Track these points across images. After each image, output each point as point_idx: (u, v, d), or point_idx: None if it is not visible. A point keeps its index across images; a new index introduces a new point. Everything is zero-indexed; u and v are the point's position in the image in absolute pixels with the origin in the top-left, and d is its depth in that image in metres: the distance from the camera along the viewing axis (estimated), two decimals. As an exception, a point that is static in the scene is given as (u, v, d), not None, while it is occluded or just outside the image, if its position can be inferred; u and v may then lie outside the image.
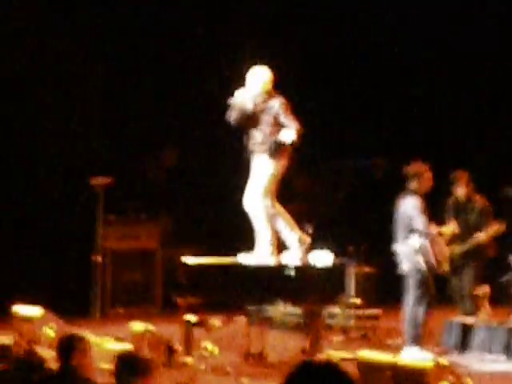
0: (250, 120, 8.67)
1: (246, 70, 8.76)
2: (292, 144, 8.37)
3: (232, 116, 8.56)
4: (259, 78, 8.67)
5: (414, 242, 8.85)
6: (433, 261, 8.84)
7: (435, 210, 9.42)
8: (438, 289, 9.32)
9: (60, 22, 11.99)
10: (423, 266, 8.84)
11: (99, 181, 10.58)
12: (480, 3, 13.11)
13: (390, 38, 12.84)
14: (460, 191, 9.75)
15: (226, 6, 12.77)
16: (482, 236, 9.41)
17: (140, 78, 12.31)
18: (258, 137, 8.60)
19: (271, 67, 8.78)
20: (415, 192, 8.83)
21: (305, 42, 12.64)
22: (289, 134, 8.28)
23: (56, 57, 11.99)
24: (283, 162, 8.68)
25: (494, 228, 9.47)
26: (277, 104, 8.53)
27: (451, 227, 9.41)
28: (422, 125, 12.90)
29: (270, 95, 8.61)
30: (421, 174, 8.85)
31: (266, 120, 8.58)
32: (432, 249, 8.87)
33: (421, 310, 8.88)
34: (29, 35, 11.89)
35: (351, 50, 12.85)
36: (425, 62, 12.57)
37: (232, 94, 8.63)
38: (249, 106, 8.62)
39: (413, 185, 8.80)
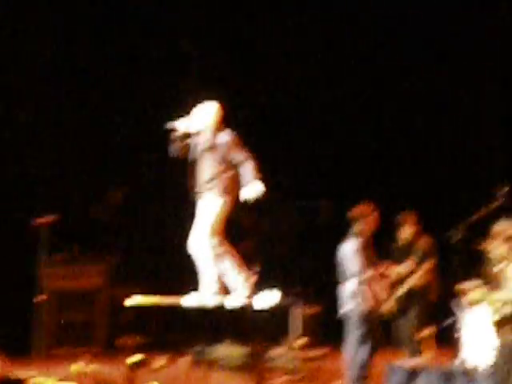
0: (196, 156, 8.25)
1: (193, 105, 8.39)
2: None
3: (174, 149, 8.16)
4: (207, 111, 8.32)
5: (354, 285, 8.85)
6: (373, 303, 8.84)
7: (385, 251, 9.47)
8: (384, 331, 9.35)
9: None
10: (363, 307, 8.82)
11: (43, 220, 10.35)
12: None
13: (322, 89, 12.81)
14: (406, 233, 9.80)
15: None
16: (414, 278, 9.44)
17: (88, 116, 12.19)
18: (205, 174, 8.20)
19: (222, 103, 8.46)
20: (359, 234, 8.82)
21: (257, 95, 12.53)
22: (254, 188, 7.86)
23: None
24: (231, 200, 8.31)
25: (425, 268, 9.52)
26: (225, 139, 8.12)
27: (406, 267, 9.45)
28: (372, 168, 12.96)
29: (218, 130, 8.22)
30: (365, 216, 8.82)
31: (214, 157, 8.18)
32: (370, 291, 8.89)
33: (363, 352, 8.74)
34: None
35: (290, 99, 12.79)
36: (371, 106, 12.66)
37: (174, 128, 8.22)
38: (194, 139, 8.23)
39: (357, 227, 8.81)
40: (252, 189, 7.84)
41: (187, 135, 8.22)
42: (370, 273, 8.78)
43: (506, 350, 7.95)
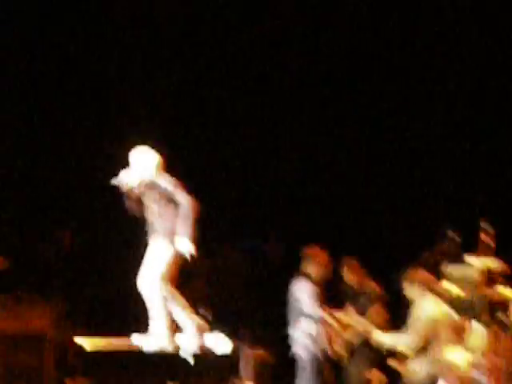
0: (141, 203, 8.16)
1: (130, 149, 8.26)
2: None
3: (129, 207, 8.11)
4: (146, 160, 8.25)
5: (304, 326, 8.81)
6: (324, 345, 8.81)
7: (334, 295, 9.45)
8: (336, 375, 9.31)
9: None
10: (313, 350, 8.77)
11: None
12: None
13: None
14: (350, 278, 9.77)
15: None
16: (362, 322, 9.37)
17: (38, 157, 12.15)
18: (151, 218, 8.13)
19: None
20: (309, 276, 8.82)
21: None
22: (184, 244, 7.78)
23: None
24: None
25: (373, 312, 9.44)
26: (164, 181, 8.07)
27: (345, 314, 9.39)
28: (320, 211, 13.01)
29: (159, 174, 8.15)
30: (315, 259, 8.83)
31: (155, 198, 8.11)
32: (324, 333, 8.85)
33: None
34: None
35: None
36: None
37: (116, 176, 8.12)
38: (136, 187, 8.16)
39: (307, 269, 8.80)
40: (181, 245, 7.80)
41: (131, 187, 8.15)
42: (323, 314, 8.78)
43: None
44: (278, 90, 13.56)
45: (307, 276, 8.81)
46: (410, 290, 8.24)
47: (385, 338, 8.29)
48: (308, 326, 8.77)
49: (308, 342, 8.74)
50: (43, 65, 13.08)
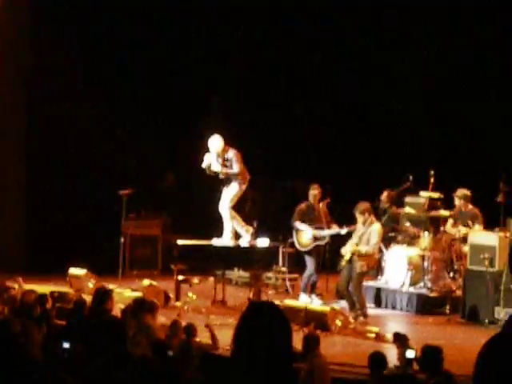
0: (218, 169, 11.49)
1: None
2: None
3: (208, 172, 11.60)
4: (215, 143, 11.53)
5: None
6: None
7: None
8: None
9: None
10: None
11: (125, 191, 13.17)
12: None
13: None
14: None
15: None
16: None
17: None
18: (223, 174, 11.64)
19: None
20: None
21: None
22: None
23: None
24: (243, 186, 11.79)
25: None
26: (231, 155, 11.51)
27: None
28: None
29: (224, 151, 11.52)
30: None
31: (226, 165, 11.53)
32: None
33: (314, 276, 11.85)
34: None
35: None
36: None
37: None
38: (214, 164, 11.51)
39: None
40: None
41: (210, 165, 11.59)
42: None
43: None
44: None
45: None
46: (361, 217, 11.15)
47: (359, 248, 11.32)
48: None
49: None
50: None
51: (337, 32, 14.91)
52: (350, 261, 11.32)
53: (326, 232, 12.04)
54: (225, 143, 11.69)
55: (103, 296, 8.91)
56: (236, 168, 11.58)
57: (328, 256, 12.24)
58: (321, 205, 12.21)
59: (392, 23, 14.54)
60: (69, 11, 14.07)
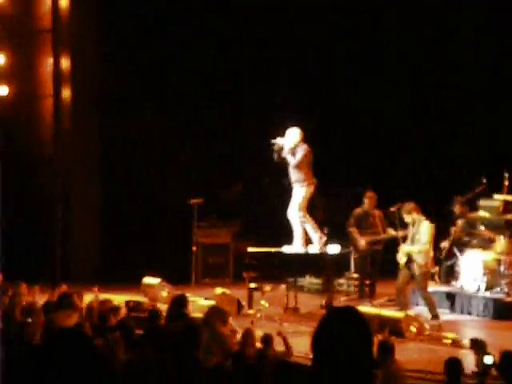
0: (287, 161, 11.50)
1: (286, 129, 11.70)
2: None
3: (275, 156, 11.65)
4: (293, 134, 11.61)
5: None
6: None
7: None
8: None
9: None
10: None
11: (195, 200, 13.40)
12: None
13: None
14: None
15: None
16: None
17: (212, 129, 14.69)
18: (293, 173, 11.65)
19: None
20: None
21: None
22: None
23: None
24: (310, 189, 11.81)
25: None
26: (301, 149, 11.49)
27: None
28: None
29: (298, 145, 11.57)
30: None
31: (293, 158, 11.49)
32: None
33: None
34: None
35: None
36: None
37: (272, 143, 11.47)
38: (285, 151, 11.53)
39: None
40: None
41: (282, 147, 11.65)
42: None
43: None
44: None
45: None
46: (408, 217, 11.09)
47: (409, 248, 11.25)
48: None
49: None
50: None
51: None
52: (408, 264, 11.30)
53: (382, 236, 12.32)
54: (302, 138, 11.77)
55: (181, 300, 9.15)
56: (298, 157, 11.53)
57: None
58: (376, 211, 12.52)
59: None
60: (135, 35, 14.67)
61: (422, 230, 11.29)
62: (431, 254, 11.55)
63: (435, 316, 11.20)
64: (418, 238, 11.24)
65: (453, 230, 12.80)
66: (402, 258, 11.37)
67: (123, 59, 14.53)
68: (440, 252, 12.56)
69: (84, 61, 14.64)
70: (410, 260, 11.31)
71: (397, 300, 11.47)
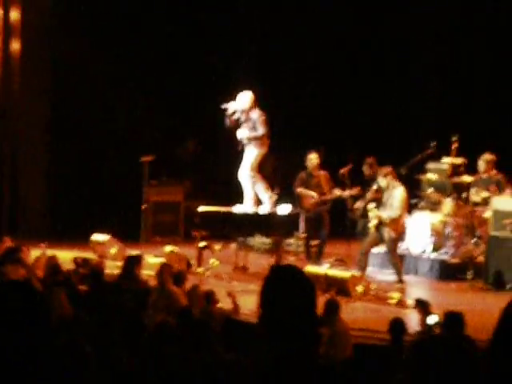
0: (238, 124, 11.54)
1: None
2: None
3: (227, 122, 11.67)
4: (245, 98, 11.60)
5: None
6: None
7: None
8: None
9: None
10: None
11: (146, 158, 13.16)
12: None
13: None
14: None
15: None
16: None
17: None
18: (244, 135, 11.70)
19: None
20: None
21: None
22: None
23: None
24: (262, 150, 11.85)
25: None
26: (255, 115, 11.56)
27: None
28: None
29: (251, 109, 11.59)
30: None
31: (249, 125, 11.56)
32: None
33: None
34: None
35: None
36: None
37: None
38: (237, 115, 11.53)
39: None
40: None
41: (234, 112, 11.59)
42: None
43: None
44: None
45: None
46: (383, 180, 11.05)
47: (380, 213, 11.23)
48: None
49: None
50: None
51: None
52: (378, 228, 11.24)
53: (328, 196, 12.50)
54: (253, 102, 11.73)
55: (135, 260, 9.22)
56: (260, 130, 11.60)
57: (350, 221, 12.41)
58: (322, 172, 12.61)
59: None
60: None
61: (395, 196, 11.19)
62: (403, 220, 11.48)
63: (401, 280, 11.27)
64: (390, 202, 11.16)
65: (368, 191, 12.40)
66: (372, 221, 11.29)
67: (74, 12, 14.50)
68: (354, 212, 12.46)
69: (35, 12, 14.49)
70: (380, 224, 11.23)
71: (358, 261, 11.34)
